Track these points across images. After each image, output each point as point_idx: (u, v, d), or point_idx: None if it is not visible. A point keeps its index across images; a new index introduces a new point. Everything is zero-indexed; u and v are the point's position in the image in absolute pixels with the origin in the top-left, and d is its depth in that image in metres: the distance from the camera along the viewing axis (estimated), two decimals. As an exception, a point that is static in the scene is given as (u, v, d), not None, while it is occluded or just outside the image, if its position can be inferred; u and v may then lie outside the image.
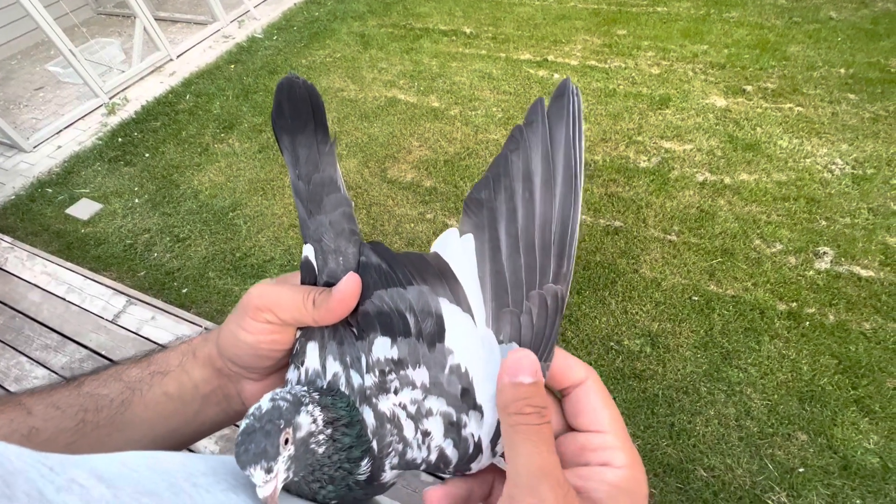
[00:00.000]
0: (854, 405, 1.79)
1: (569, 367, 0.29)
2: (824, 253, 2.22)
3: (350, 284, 0.32)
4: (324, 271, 0.34)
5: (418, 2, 4.63)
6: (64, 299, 2.35)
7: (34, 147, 3.53)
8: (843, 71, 3.14)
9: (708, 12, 3.91)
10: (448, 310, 0.30)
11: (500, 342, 0.29)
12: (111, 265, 2.65)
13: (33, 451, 0.21)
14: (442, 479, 0.31)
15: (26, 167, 3.39)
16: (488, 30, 4.08)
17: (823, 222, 2.35)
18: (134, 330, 2.18)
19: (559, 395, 0.30)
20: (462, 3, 4.50)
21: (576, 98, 0.32)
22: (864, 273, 2.14)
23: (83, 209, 2.99)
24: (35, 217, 3.00)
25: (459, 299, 0.30)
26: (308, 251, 0.35)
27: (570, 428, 0.29)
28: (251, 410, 0.27)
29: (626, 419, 1.79)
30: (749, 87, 3.14)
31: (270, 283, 0.35)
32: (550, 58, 3.65)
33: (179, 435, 0.38)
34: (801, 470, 1.67)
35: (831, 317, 2.03)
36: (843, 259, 2.19)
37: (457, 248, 0.31)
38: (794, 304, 2.08)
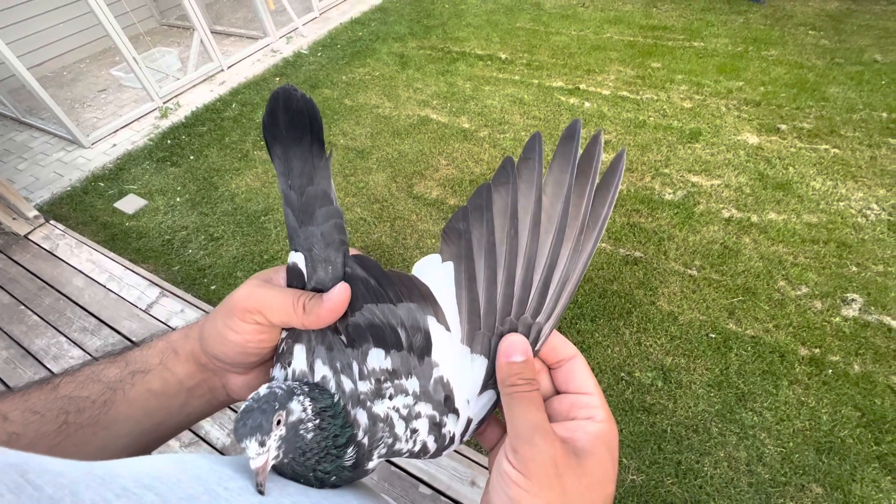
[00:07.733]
0: (876, 462, 1.71)
1: (561, 345, 0.35)
2: (853, 300, 2.15)
3: (341, 294, 0.34)
4: (312, 278, 0.36)
5: (458, 27, 4.81)
6: (104, 286, 2.52)
7: (92, 144, 3.82)
8: (885, 115, 3.06)
9: (746, 49, 3.89)
10: (433, 327, 0.34)
11: (472, 354, 0.34)
12: (149, 258, 2.82)
13: (76, 462, 0.23)
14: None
15: (83, 162, 3.67)
16: (523, 56, 4.18)
17: (854, 268, 2.27)
18: (164, 320, 2.31)
19: (550, 368, 0.36)
20: (500, 30, 4.64)
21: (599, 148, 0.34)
22: (895, 324, 2.05)
23: (129, 204, 3.20)
24: (86, 208, 3.23)
25: (440, 318, 0.34)
26: (296, 258, 0.37)
27: (557, 392, 0.35)
28: (251, 396, 0.31)
29: (631, 452, 1.76)
30: (784, 126, 3.10)
31: (257, 284, 0.37)
32: (582, 86, 3.70)
33: (165, 427, 0.40)
34: (813, 524, 1.61)
35: (857, 367, 1.95)
36: (872, 308, 2.12)
37: (437, 274, 0.35)
38: (818, 351, 2.01)
